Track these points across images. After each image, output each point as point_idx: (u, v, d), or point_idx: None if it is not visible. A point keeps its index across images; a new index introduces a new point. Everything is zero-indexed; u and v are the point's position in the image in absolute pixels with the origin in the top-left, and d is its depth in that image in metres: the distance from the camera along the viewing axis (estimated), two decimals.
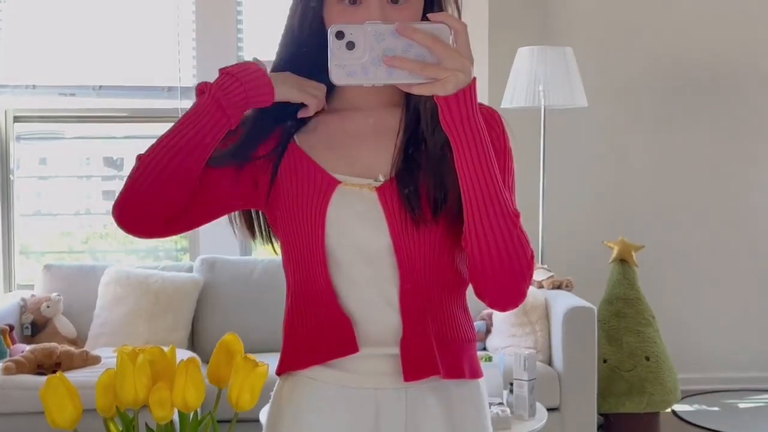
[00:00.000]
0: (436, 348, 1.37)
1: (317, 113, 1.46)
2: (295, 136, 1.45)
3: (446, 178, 1.34)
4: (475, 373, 1.44)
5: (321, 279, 1.38)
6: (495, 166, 1.29)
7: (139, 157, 1.38)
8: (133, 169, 1.38)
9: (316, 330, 1.39)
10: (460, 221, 1.35)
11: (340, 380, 1.38)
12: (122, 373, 1.27)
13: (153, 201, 1.37)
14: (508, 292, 1.34)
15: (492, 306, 1.39)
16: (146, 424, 1.33)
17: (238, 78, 1.36)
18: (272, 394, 1.45)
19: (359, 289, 1.39)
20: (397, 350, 1.37)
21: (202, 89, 1.38)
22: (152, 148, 1.37)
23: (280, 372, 1.43)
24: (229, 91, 1.35)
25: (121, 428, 1.30)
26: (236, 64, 1.38)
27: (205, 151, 1.37)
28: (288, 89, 1.39)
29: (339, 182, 1.39)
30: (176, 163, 1.35)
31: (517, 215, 1.32)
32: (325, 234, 1.37)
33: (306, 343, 1.40)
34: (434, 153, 1.36)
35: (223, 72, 1.37)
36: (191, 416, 1.29)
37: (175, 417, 1.33)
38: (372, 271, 1.38)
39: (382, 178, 1.39)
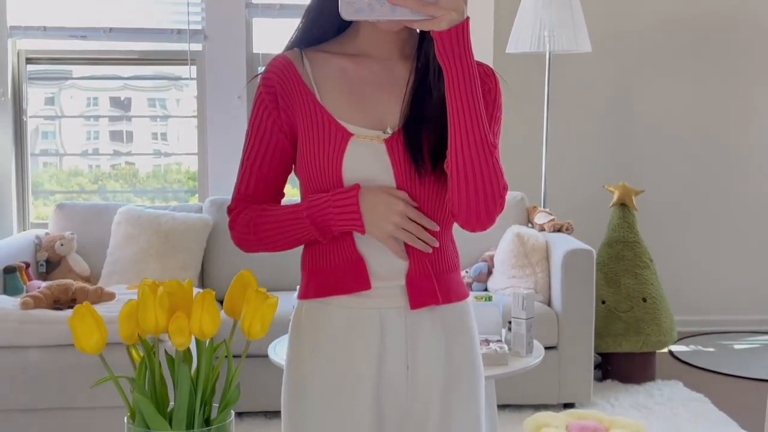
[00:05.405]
0: (435, 280, 1.59)
1: (334, 54, 1.62)
2: (311, 77, 1.60)
3: (446, 131, 1.50)
4: (462, 295, 1.65)
5: None
6: (480, 98, 1.46)
7: (256, 225, 1.61)
8: (248, 225, 1.62)
9: (334, 267, 1.59)
10: None
11: (351, 304, 1.59)
12: (144, 303, 1.36)
13: (268, 249, 1.65)
14: (478, 213, 1.51)
15: (463, 226, 1.56)
16: (165, 351, 1.44)
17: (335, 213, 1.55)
18: (292, 316, 1.67)
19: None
20: (401, 282, 1.58)
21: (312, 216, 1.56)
22: (269, 228, 1.60)
23: (302, 298, 1.64)
24: (326, 223, 1.55)
25: (142, 354, 1.41)
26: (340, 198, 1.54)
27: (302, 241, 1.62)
28: (376, 230, 1.55)
29: (352, 134, 1.54)
30: (282, 243, 1.62)
31: (495, 146, 1.49)
32: (342, 182, 1.54)
33: (325, 278, 1.60)
34: (438, 104, 1.52)
35: (329, 203, 1.54)
36: (207, 343, 1.40)
37: (192, 346, 1.44)
38: None
39: (390, 131, 1.55)
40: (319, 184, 1.57)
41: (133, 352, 1.42)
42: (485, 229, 1.56)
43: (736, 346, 5.22)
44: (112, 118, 5.47)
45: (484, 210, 1.51)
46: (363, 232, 1.54)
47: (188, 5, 5.02)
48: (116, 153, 5.47)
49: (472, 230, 1.56)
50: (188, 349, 1.41)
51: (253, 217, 1.61)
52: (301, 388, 1.62)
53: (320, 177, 1.56)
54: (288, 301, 3.43)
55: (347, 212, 1.52)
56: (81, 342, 1.37)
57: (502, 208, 1.53)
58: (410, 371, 1.59)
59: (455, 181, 1.49)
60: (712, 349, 5.14)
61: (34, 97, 5.22)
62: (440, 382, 1.61)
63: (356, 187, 1.52)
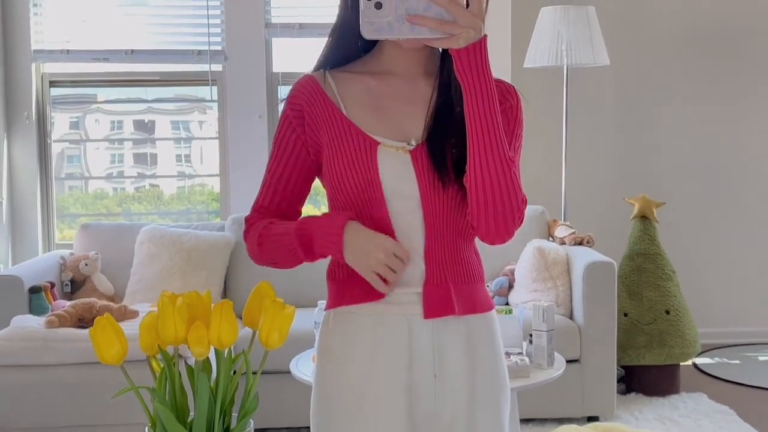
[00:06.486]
0: (453, 291, 1.60)
1: (358, 74, 1.65)
2: (336, 94, 1.63)
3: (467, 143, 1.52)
4: (486, 307, 1.66)
5: None
6: (498, 113, 1.48)
7: (260, 237, 1.63)
8: (255, 236, 1.65)
9: (351, 275, 1.59)
10: None
11: (377, 312, 1.60)
12: (163, 314, 1.39)
13: (269, 264, 1.68)
14: (497, 226, 1.53)
15: (482, 239, 1.58)
16: (185, 361, 1.46)
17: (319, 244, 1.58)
18: (321, 325, 1.70)
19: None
20: (420, 289, 1.59)
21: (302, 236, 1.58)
22: (269, 242, 1.62)
23: (329, 308, 1.67)
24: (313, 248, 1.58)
25: (162, 365, 1.43)
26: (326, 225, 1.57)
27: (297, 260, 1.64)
28: (358, 262, 1.55)
29: (378, 143, 1.57)
30: (278, 258, 1.65)
31: (512, 160, 1.51)
32: (380, 179, 1.56)
33: (348, 286, 1.62)
34: (460, 118, 1.54)
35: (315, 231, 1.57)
36: (226, 353, 1.42)
37: (211, 356, 1.46)
38: (403, 224, 1.58)
39: (414, 142, 1.58)
40: (348, 196, 1.58)
41: (154, 362, 1.45)
42: (504, 242, 1.58)
43: (761, 358, 5.18)
44: (136, 141, 5.52)
45: (502, 223, 1.53)
46: (342, 259, 1.55)
47: (209, 26, 5.08)
48: (140, 176, 5.52)
49: (492, 243, 1.58)
50: (208, 359, 1.43)
51: (260, 228, 1.64)
52: (331, 397, 1.63)
53: (352, 187, 1.57)
54: (309, 317, 3.46)
55: (331, 234, 1.54)
56: (102, 352, 1.39)
57: (521, 222, 1.55)
58: (438, 379, 1.60)
59: (474, 195, 1.52)
60: (736, 361, 5.10)
61: (60, 121, 5.29)
62: (465, 392, 1.61)
63: (346, 214, 1.55)
